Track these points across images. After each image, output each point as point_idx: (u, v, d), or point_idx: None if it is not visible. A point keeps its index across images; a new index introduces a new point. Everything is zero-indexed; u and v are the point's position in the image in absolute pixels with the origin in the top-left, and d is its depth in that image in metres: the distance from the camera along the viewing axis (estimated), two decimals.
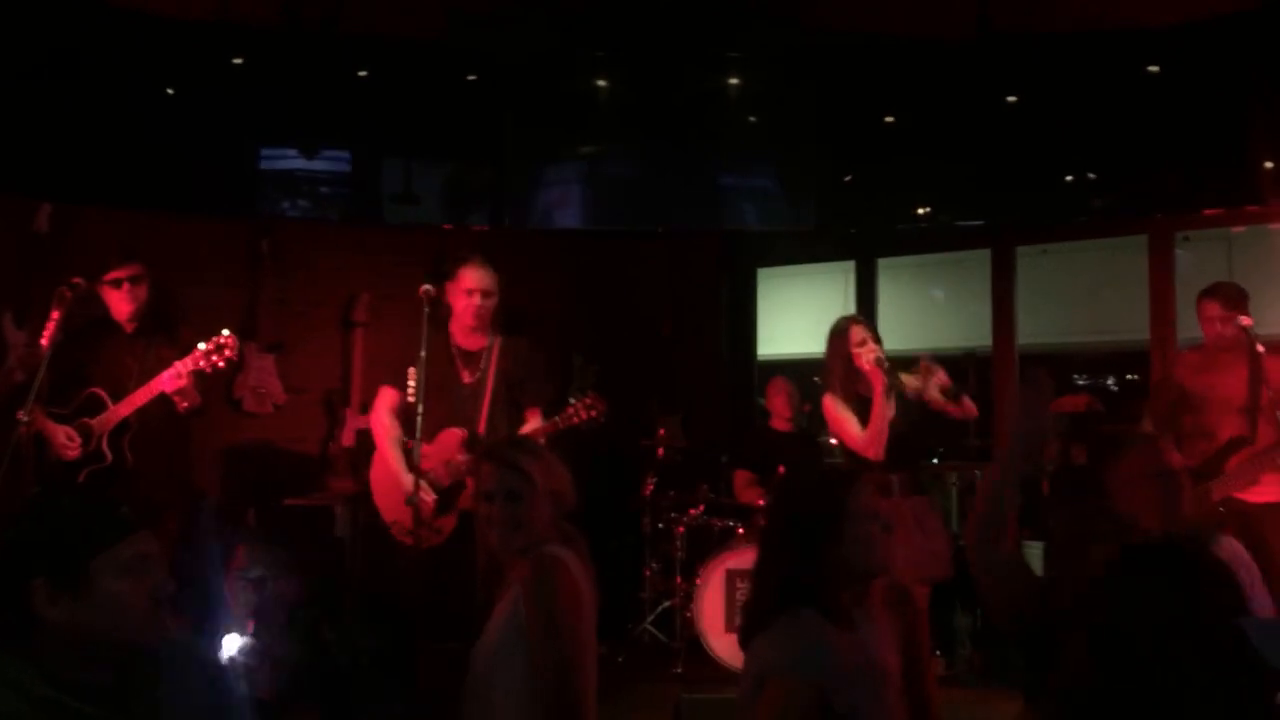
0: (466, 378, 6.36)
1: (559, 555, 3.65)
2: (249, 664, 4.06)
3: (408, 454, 6.12)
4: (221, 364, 6.29)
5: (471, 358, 6.36)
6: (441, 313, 6.34)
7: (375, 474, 6.47)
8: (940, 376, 6.60)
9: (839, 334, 6.68)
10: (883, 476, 6.44)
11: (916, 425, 6.63)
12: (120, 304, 6.43)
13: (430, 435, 6.16)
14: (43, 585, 2.49)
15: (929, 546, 6.53)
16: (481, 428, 6.23)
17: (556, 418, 6.18)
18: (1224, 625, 2.39)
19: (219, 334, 6.29)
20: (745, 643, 3.49)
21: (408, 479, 6.03)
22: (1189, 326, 7.48)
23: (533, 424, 6.25)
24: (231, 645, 3.85)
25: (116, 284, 6.40)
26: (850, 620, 3.44)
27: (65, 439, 6.23)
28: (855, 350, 6.55)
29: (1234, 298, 6.63)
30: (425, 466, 6.11)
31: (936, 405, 6.60)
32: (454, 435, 6.24)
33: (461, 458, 6.18)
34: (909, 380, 6.64)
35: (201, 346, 6.25)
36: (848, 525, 3.41)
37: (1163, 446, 4.26)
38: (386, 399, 6.41)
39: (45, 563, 2.51)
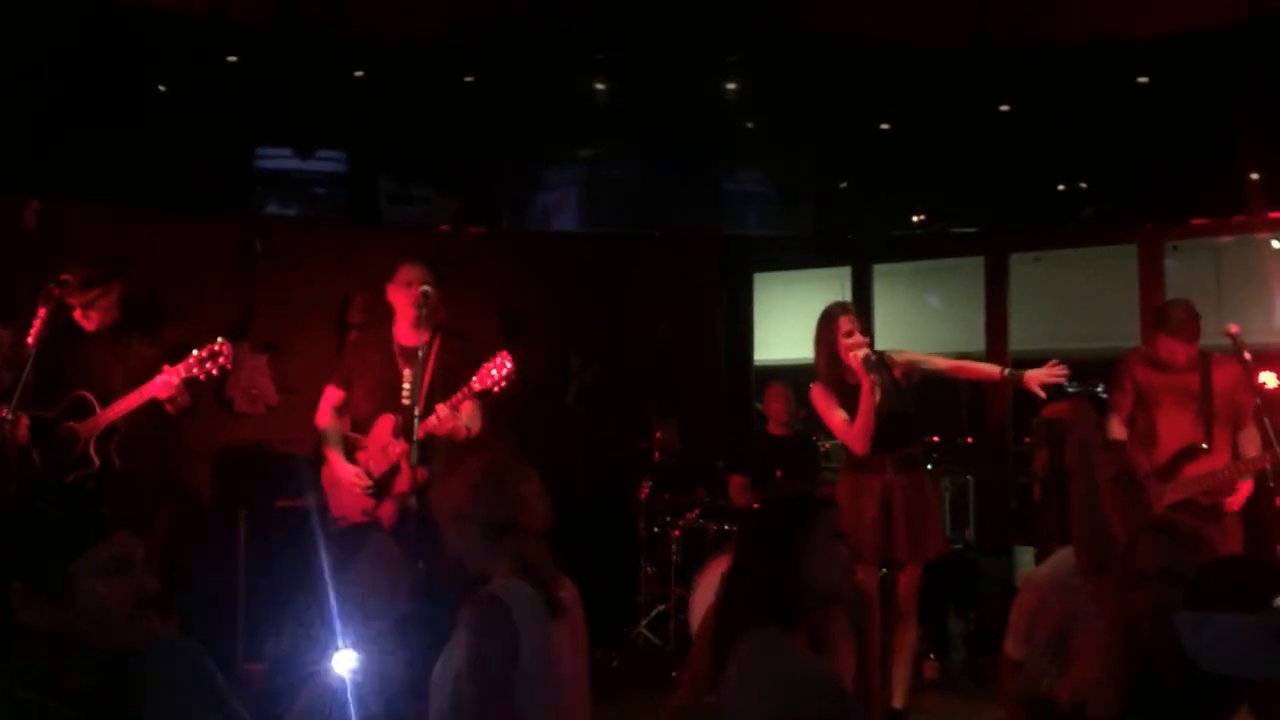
0: (407, 373, 6.53)
1: (497, 598, 3.54)
2: (363, 682, 3.95)
3: (350, 448, 6.59)
4: (215, 371, 6.31)
5: (410, 353, 6.48)
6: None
7: (325, 471, 6.66)
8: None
9: (828, 320, 6.75)
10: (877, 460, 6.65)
11: (905, 411, 6.73)
12: (85, 323, 6.39)
13: (366, 426, 6.54)
14: (20, 589, 2.47)
15: (920, 525, 6.56)
16: (415, 420, 6.29)
17: (472, 382, 6.25)
18: None
19: (214, 341, 6.29)
20: (719, 648, 3.50)
21: (347, 471, 6.49)
22: None
23: (454, 399, 6.31)
24: (344, 663, 3.73)
25: (72, 308, 6.36)
26: (815, 637, 3.50)
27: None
28: (843, 340, 6.63)
29: (1189, 332, 6.65)
30: (362, 457, 6.50)
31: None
32: (388, 422, 6.46)
33: (395, 445, 6.41)
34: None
35: (195, 353, 6.24)
36: (811, 549, 3.45)
37: (1126, 452, 4.31)
38: (330, 397, 6.72)
39: (22, 566, 2.49)
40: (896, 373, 6.73)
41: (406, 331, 6.56)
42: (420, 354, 6.26)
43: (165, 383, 6.22)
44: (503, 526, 3.64)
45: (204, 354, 6.25)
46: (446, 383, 6.44)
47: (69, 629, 2.48)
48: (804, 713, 3.27)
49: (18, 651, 2.48)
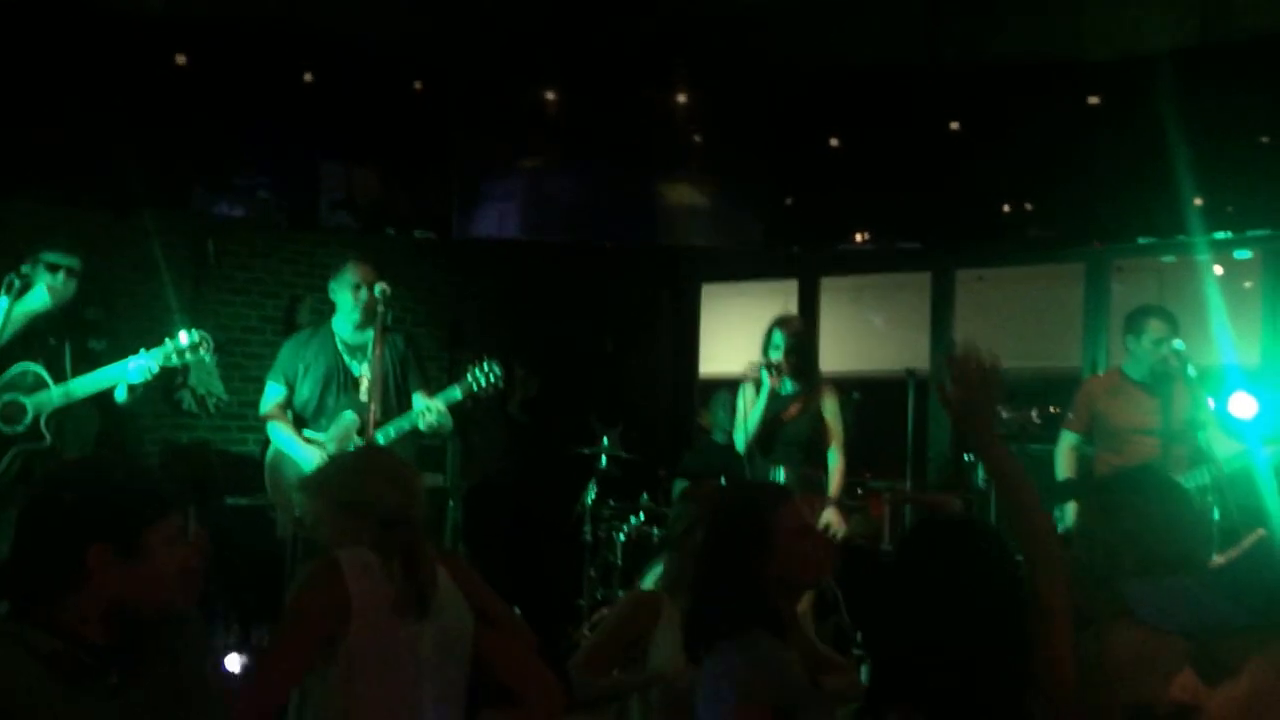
0: (354, 369, 6.65)
1: (335, 558, 3.46)
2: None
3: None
4: (189, 359, 6.32)
5: (356, 351, 6.65)
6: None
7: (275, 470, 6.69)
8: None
9: (766, 329, 7.02)
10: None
11: (814, 435, 6.96)
12: (44, 291, 6.23)
13: (328, 424, 6.58)
14: (102, 549, 2.55)
15: None
16: (373, 412, 6.42)
17: (456, 386, 6.57)
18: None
19: (183, 331, 6.27)
20: (695, 660, 3.46)
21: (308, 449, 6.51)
22: (1120, 355, 7.60)
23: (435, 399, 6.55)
24: (233, 665, 3.75)
25: (53, 269, 6.26)
26: (780, 626, 3.44)
27: None
28: (769, 353, 6.91)
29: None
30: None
31: None
32: (350, 420, 6.54)
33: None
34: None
35: (173, 342, 6.22)
36: (781, 543, 3.42)
37: None
38: (276, 396, 6.74)
39: (107, 529, 2.57)
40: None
41: (349, 330, 6.68)
42: (376, 351, 6.36)
43: (142, 366, 6.17)
44: (366, 513, 3.55)
45: (185, 342, 6.22)
46: (394, 377, 6.60)
47: (133, 592, 2.58)
48: (787, 701, 3.25)
49: (74, 606, 2.55)
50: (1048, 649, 2.61)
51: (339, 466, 3.86)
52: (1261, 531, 1.67)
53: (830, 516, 6.96)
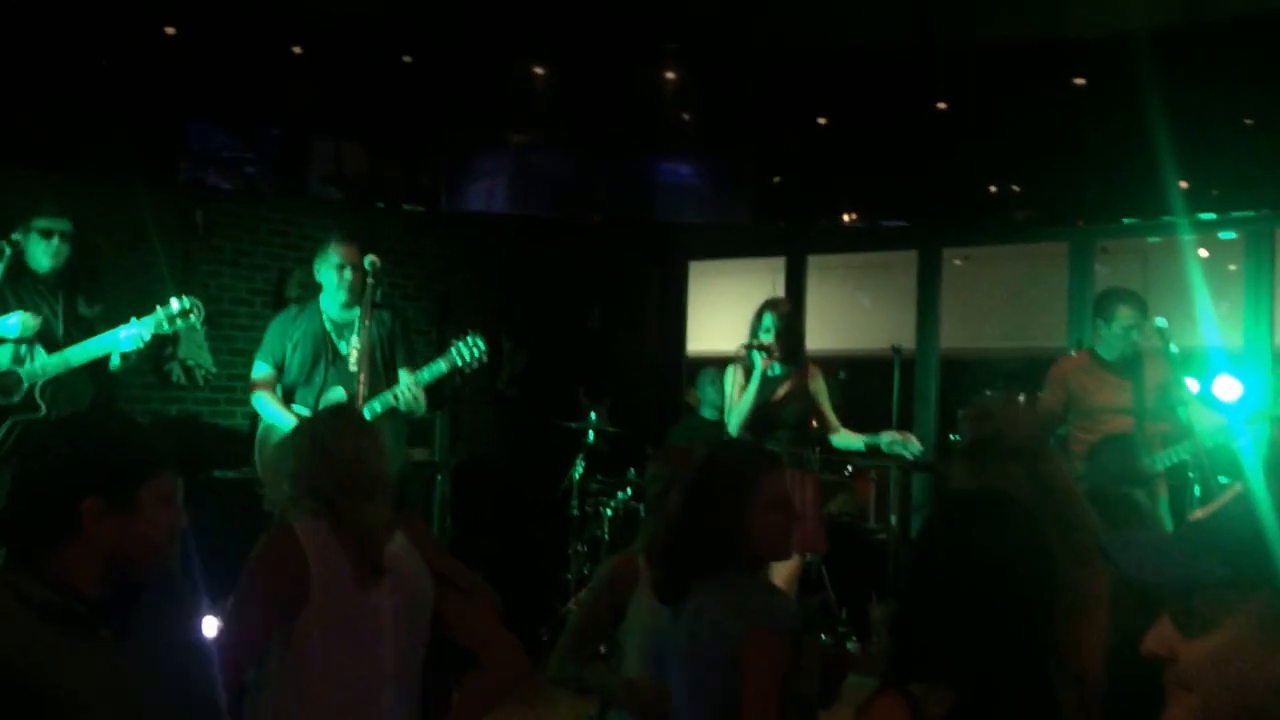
0: (342, 347, 6.66)
1: (291, 528, 3.47)
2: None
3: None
4: (180, 325, 6.35)
5: (343, 328, 6.66)
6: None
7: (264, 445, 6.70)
8: None
9: (756, 311, 7.01)
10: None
11: (803, 414, 6.96)
12: (43, 257, 6.31)
13: (316, 400, 6.60)
14: (96, 502, 2.55)
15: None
16: (360, 389, 6.43)
17: (441, 360, 6.57)
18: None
19: (177, 299, 6.30)
20: (667, 601, 3.50)
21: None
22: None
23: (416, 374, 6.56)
24: (211, 628, 3.77)
25: (46, 235, 6.30)
26: None
27: None
28: (760, 335, 6.91)
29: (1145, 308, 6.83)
30: None
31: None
32: (339, 396, 6.56)
33: None
34: None
35: (163, 310, 6.25)
36: (759, 503, 3.45)
37: None
38: (262, 374, 6.75)
39: (103, 480, 2.58)
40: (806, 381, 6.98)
41: (335, 308, 6.68)
42: (367, 321, 6.39)
43: (134, 335, 6.19)
44: (318, 485, 3.53)
45: (176, 309, 6.27)
46: (381, 354, 6.61)
47: (124, 547, 2.58)
48: (782, 624, 3.30)
49: (65, 558, 2.55)
50: (1080, 632, 2.58)
51: (292, 434, 3.86)
52: (1238, 485, 1.71)
53: (893, 434, 6.99)
